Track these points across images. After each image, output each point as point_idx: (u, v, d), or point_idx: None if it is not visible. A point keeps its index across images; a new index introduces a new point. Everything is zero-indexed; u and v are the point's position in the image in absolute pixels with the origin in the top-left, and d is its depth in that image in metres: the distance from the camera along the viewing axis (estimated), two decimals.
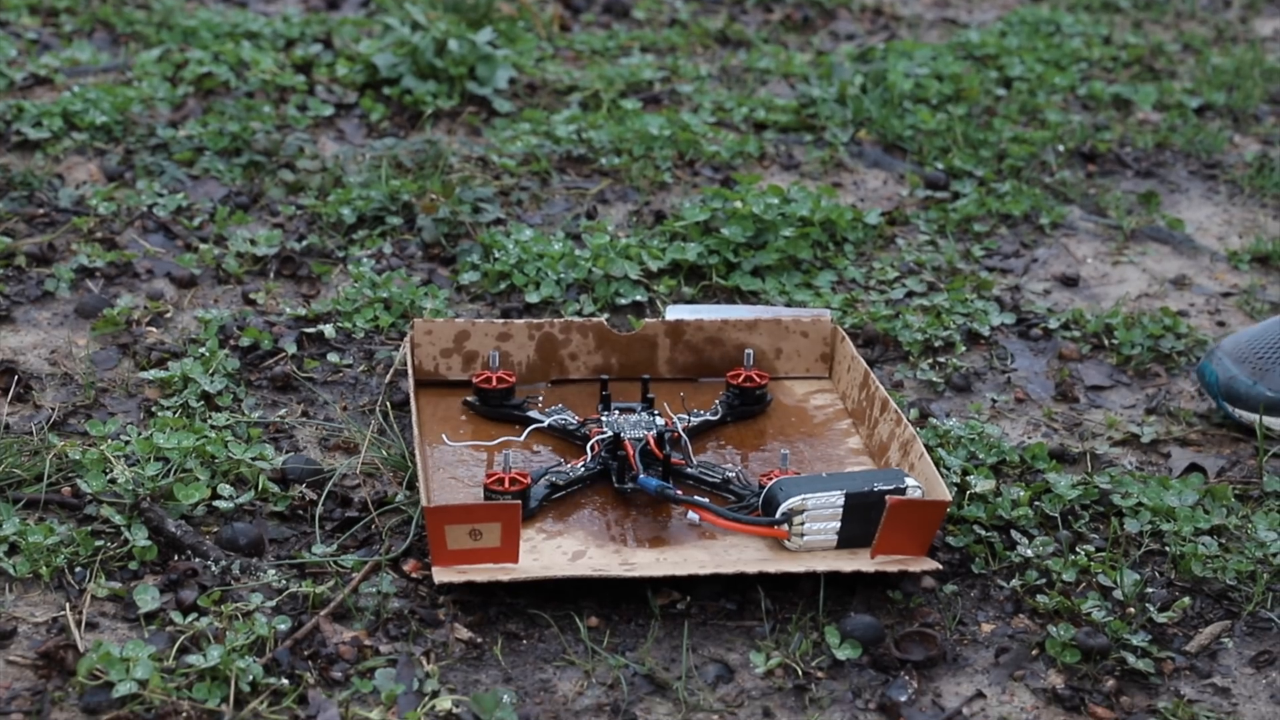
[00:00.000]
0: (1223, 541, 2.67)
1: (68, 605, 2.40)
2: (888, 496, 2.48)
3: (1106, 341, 3.26)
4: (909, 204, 3.81)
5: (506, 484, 2.59)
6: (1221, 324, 3.38)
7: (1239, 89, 4.49)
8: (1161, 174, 4.04)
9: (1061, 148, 4.07)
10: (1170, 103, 4.43)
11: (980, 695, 2.35)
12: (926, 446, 2.79)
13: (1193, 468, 2.90)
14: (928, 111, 4.13)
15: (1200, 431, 3.01)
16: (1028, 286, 3.47)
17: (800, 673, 2.36)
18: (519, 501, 2.45)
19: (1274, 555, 2.62)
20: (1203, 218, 3.84)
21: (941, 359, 3.18)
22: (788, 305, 3.30)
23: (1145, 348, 3.23)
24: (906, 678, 2.37)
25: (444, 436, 2.81)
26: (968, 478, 2.75)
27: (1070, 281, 3.50)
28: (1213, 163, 4.10)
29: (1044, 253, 3.62)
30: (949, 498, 2.52)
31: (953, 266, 3.51)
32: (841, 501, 2.53)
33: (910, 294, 3.40)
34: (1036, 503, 2.72)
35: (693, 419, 2.85)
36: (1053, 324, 3.30)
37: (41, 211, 3.51)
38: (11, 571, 2.45)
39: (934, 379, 3.11)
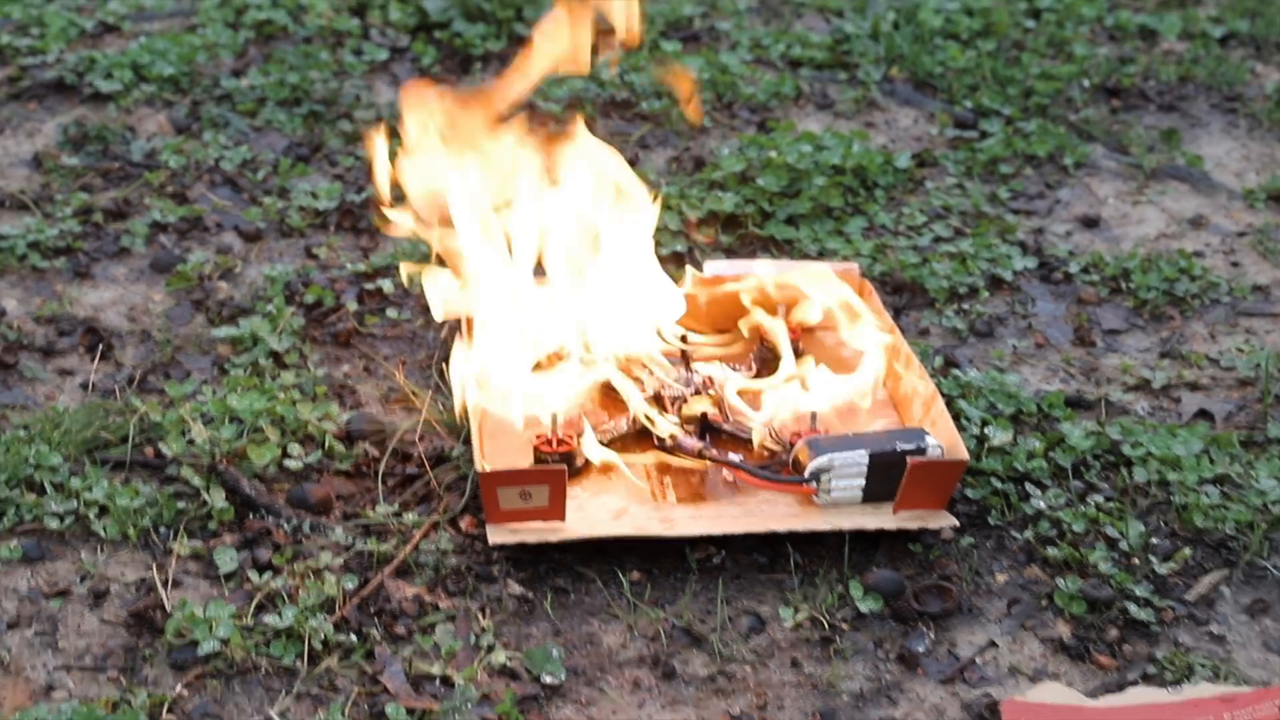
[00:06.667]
0: (1225, 490, 2.85)
1: (154, 565, 2.62)
2: (909, 457, 2.67)
3: (1124, 285, 3.44)
4: (938, 144, 3.97)
5: (554, 444, 2.78)
6: (1235, 264, 3.54)
7: (1263, 16, 4.62)
8: (1184, 108, 4.19)
9: (1087, 83, 4.22)
10: (1195, 32, 4.56)
11: (993, 645, 2.55)
12: (948, 398, 2.97)
13: (1201, 414, 3.07)
14: (957, 48, 4.28)
15: (1210, 376, 3.18)
16: (1050, 228, 3.65)
17: (826, 625, 2.56)
18: (564, 466, 2.65)
19: (1273, 504, 2.80)
20: (1222, 153, 3.99)
21: (966, 305, 3.36)
22: (820, 254, 3.48)
23: (1161, 291, 3.40)
24: (924, 629, 2.57)
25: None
26: (987, 429, 2.93)
27: (1091, 222, 3.67)
28: (1234, 95, 4.25)
29: (1067, 193, 3.78)
30: (967, 457, 2.71)
31: (979, 210, 3.68)
32: (866, 460, 2.72)
33: (938, 239, 3.58)
34: (1051, 454, 2.90)
35: (729, 375, 3.03)
36: (1073, 268, 3.48)
37: (116, 165, 3.72)
38: (102, 534, 2.67)
39: (958, 325, 3.30)
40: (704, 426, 2.88)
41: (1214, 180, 3.86)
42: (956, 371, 3.11)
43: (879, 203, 3.70)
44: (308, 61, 4.12)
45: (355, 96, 4.02)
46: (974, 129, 4.01)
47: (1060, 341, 3.28)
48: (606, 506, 2.76)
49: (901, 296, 3.38)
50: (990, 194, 3.76)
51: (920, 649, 2.54)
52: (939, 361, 3.17)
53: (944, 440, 2.77)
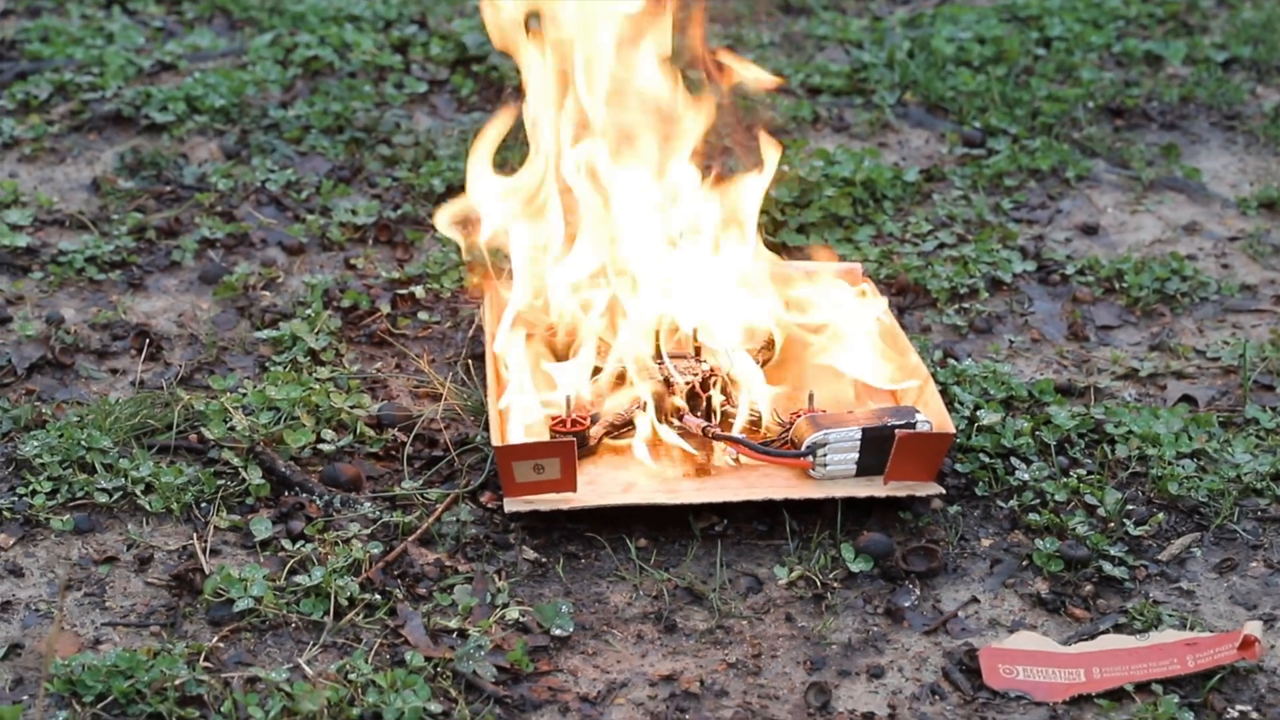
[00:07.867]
0: (1201, 463, 3.02)
1: (195, 535, 2.82)
2: (897, 430, 2.86)
3: (1117, 285, 3.62)
4: (947, 161, 4.17)
5: (568, 425, 2.98)
6: (1226, 266, 3.72)
7: (1265, 42, 4.80)
8: (1184, 126, 4.38)
9: (1091, 104, 4.42)
10: (1199, 57, 4.75)
11: (975, 600, 2.74)
12: (944, 385, 3.16)
13: (1184, 398, 3.25)
14: (969, 74, 4.48)
15: (1196, 366, 3.36)
16: (1050, 236, 3.83)
17: (819, 583, 2.75)
18: (573, 439, 2.85)
19: (1246, 475, 2.97)
20: (1219, 167, 4.18)
21: (966, 305, 3.55)
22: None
23: (1152, 290, 3.58)
24: (911, 587, 2.75)
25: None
26: (978, 412, 3.11)
27: (1090, 230, 3.85)
28: (1233, 114, 4.43)
29: (1068, 204, 3.97)
30: (953, 430, 2.89)
31: (982, 219, 3.87)
32: (859, 435, 2.91)
33: (941, 245, 3.77)
34: (1037, 432, 3.08)
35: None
36: (1070, 270, 3.66)
37: (168, 188, 3.95)
38: (148, 507, 2.88)
39: (959, 323, 3.48)
40: (710, 409, 3.07)
41: (1210, 191, 4.04)
42: (953, 361, 3.29)
43: (887, 213, 3.90)
44: (351, 94, 4.35)
45: (395, 124, 4.25)
46: (981, 147, 4.20)
47: (1055, 337, 3.47)
48: (617, 480, 2.96)
49: (905, 297, 3.57)
50: (994, 205, 3.95)
51: (906, 604, 2.72)
52: (938, 355, 3.35)
53: (933, 418, 2.95)
